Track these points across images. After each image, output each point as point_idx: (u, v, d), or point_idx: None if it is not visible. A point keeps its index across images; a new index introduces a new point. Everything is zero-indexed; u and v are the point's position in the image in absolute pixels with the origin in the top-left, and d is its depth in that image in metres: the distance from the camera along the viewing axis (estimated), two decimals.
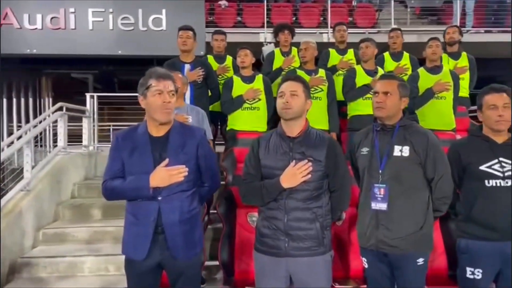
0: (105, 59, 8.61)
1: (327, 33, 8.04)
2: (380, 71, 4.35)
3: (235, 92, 4.10)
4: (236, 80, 4.15)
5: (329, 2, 8.26)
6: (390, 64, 4.91)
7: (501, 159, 2.21)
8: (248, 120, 4.02)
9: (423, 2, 8.58)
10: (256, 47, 5.20)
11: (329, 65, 4.90)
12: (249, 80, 4.14)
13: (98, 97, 6.32)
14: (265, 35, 8.07)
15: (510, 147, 2.23)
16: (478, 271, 2.21)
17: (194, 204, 2.06)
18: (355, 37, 7.47)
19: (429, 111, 4.06)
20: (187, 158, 1.99)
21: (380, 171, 2.17)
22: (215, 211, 3.23)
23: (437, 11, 9.04)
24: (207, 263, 3.24)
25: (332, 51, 4.98)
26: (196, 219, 2.08)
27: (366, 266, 2.26)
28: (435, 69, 4.15)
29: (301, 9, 8.65)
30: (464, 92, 4.74)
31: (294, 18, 8.59)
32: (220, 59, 4.77)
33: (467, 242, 2.26)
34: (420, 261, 2.13)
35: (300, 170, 1.97)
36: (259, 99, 4.09)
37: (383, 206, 2.14)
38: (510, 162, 2.20)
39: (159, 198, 1.96)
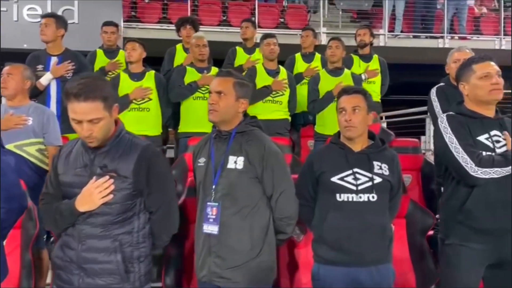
0: (16, 53, 7.88)
1: (257, 33, 7.73)
2: (283, 71, 4.06)
3: (122, 91, 3.61)
4: (124, 77, 3.69)
5: (256, 1, 7.96)
6: (301, 65, 4.63)
7: (355, 170, 1.91)
8: (135, 123, 3.50)
9: (352, 4, 8.47)
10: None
11: (236, 64, 4.56)
12: (137, 77, 3.68)
13: None
14: None
15: (366, 156, 1.94)
16: None
17: None
18: (286, 38, 7.27)
19: (329, 115, 3.80)
20: None
21: (213, 187, 1.81)
22: None
23: (369, 15, 8.98)
24: None
25: (239, 50, 4.64)
26: None
27: None
28: (336, 71, 3.91)
29: (230, 8, 8.29)
30: (375, 96, 4.53)
31: (223, 17, 8.23)
32: (110, 53, 4.28)
33: (318, 267, 1.94)
34: None
35: (98, 189, 1.58)
36: (150, 99, 3.66)
37: (214, 229, 1.78)
38: (365, 173, 1.91)
39: None
